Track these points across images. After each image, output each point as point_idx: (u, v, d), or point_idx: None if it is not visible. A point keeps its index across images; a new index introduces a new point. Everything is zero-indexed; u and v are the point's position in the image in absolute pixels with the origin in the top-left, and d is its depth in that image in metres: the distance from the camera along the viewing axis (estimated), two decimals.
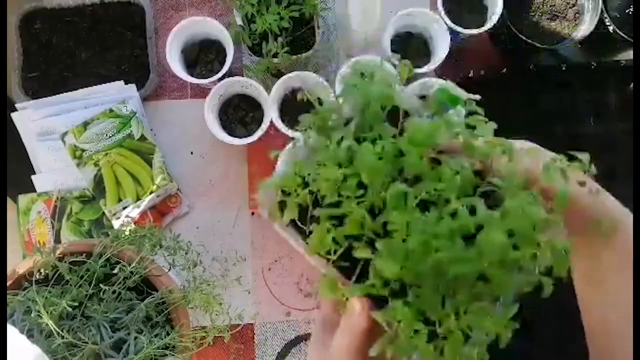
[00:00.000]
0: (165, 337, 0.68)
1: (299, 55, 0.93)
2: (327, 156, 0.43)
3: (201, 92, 1.03)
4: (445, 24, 0.92)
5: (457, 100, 0.49)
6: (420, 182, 0.42)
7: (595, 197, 0.47)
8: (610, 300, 0.53)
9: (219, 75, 0.93)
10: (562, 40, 0.98)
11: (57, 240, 0.96)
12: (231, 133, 0.96)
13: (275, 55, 0.91)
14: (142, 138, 0.98)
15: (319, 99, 0.49)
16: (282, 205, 0.46)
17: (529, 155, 0.45)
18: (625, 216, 0.50)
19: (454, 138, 0.44)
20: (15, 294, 0.68)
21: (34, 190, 0.98)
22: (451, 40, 0.92)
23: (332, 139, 0.44)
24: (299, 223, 0.47)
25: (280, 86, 0.92)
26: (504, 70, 0.99)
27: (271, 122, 0.91)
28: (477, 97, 0.49)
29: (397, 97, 0.46)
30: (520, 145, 0.46)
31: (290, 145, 0.49)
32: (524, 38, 0.93)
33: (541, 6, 1.01)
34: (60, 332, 0.63)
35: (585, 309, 0.56)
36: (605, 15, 0.96)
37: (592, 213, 0.47)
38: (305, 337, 0.97)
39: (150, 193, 0.96)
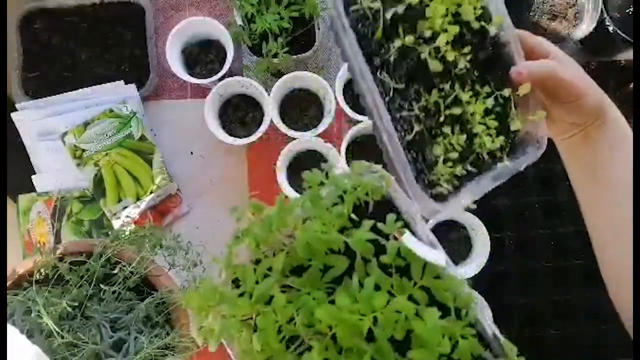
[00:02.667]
0: (165, 337, 0.68)
1: (299, 55, 0.93)
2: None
3: (201, 92, 1.02)
4: None
5: None
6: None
7: (572, 69, 0.55)
8: (611, 199, 0.54)
9: (219, 75, 0.93)
10: (562, 40, 0.98)
11: (57, 240, 0.96)
12: (231, 133, 0.96)
13: (275, 55, 0.91)
14: (142, 138, 0.98)
15: None
16: None
17: None
18: (605, 95, 0.55)
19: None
20: (15, 294, 0.68)
21: (34, 190, 0.98)
22: None
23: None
24: None
25: (280, 86, 0.92)
26: None
27: (271, 122, 0.92)
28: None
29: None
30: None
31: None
32: None
33: (541, 6, 1.01)
34: (60, 332, 0.63)
35: (588, 211, 0.58)
36: (605, 15, 0.96)
37: (575, 87, 0.53)
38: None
39: (150, 193, 0.96)
